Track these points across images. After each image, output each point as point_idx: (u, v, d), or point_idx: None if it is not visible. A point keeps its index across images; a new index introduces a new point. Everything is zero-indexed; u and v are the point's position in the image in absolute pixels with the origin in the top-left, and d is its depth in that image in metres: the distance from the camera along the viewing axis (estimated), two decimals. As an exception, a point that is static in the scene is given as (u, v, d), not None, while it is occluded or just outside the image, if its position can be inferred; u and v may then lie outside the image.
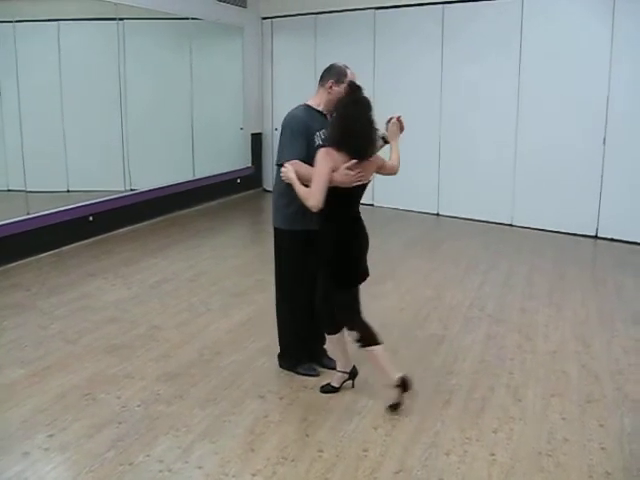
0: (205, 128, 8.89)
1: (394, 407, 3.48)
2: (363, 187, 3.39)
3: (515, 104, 7.53)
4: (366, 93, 3.37)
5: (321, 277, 3.54)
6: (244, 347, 4.32)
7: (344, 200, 3.36)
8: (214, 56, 9.18)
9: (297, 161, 3.41)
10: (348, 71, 3.67)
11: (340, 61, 3.80)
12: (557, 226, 7.54)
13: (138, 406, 3.52)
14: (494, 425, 3.36)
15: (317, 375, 3.91)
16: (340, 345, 3.70)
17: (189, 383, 3.80)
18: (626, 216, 7.15)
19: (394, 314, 4.96)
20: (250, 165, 10.02)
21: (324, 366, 3.98)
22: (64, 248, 6.75)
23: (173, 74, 8.38)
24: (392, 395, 3.47)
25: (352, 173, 3.21)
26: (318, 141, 3.52)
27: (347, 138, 3.22)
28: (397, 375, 3.44)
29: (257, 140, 10.18)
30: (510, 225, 7.93)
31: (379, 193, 8.79)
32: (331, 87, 3.62)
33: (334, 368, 3.81)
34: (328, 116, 3.61)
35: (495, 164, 7.88)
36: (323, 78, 3.70)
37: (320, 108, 3.66)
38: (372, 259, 3.66)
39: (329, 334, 3.68)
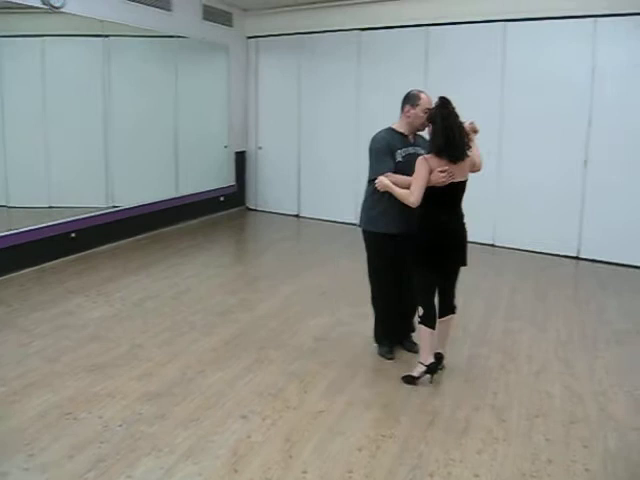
0: (189, 145, 8.88)
1: (407, 379, 4.06)
2: (459, 186, 3.90)
3: (497, 125, 7.60)
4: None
5: (415, 269, 4.04)
6: (227, 366, 4.29)
7: (440, 197, 3.85)
8: (199, 74, 9.18)
9: (391, 174, 4.02)
10: (422, 95, 4.14)
11: (415, 88, 4.27)
12: (539, 247, 7.59)
13: (120, 426, 3.48)
14: (478, 446, 3.35)
15: (391, 359, 4.46)
16: (430, 338, 4.02)
17: (171, 402, 3.76)
18: (607, 237, 7.22)
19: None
20: (234, 183, 10.01)
21: (407, 349, 4.58)
22: (46, 264, 6.68)
23: (158, 91, 8.37)
24: (417, 369, 4.02)
25: (443, 175, 3.73)
26: (399, 158, 4.13)
27: (446, 146, 3.74)
28: (431, 359, 3.98)
29: (241, 158, 10.18)
30: (492, 245, 7.97)
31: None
32: (409, 111, 4.15)
33: (415, 351, 4.45)
34: (410, 137, 4.23)
35: (477, 184, 7.87)
36: (402, 105, 4.22)
37: (402, 130, 4.22)
38: (355, 279, 3.65)
39: (427, 326, 4.00)
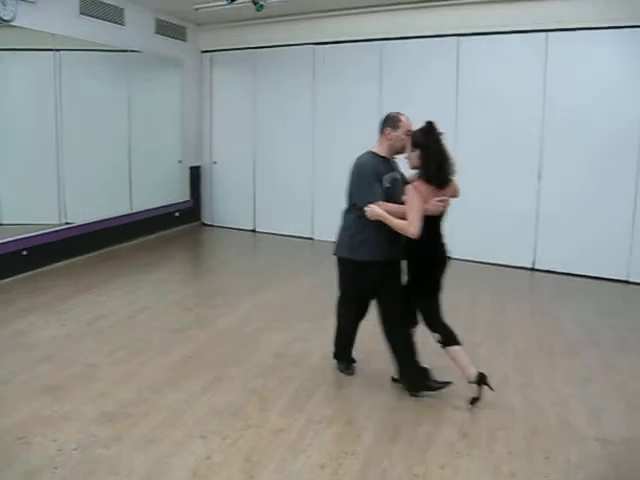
0: (143, 161, 8.76)
1: (474, 401, 3.95)
2: (445, 211, 3.90)
3: (452, 139, 7.65)
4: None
5: (421, 298, 4.07)
6: (185, 385, 4.21)
7: (433, 225, 3.86)
8: (153, 88, 9.09)
9: (382, 202, 3.89)
10: (402, 117, 4.06)
11: (394, 111, 4.17)
12: (495, 259, 7.67)
13: (75, 449, 3.37)
14: (441, 461, 3.34)
15: (350, 374, 4.45)
16: (463, 354, 4.01)
17: (128, 424, 3.67)
18: (561, 248, 7.33)
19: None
20: (189, 199, 9.91)
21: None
22: (-4, 283, 6.52)
23: (111, 106, 8.26)
24: (475, 390, 3.94)
25: (441, 204, 3.77)
26: (386, 184, 4.00)
27: (439, 172, 3.76)
28: (475, 371, 3.93)
29: (196, 173, 10.09)
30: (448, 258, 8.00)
31: (318, 226, 8.89)
32: (389, 133, 4.04)
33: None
34: (391, 160, 4.14)
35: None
36: (381, 128, 4.10)
37: (383, 154, 4.08)
38: (312, 294, 3.61)
39: (453, 345, 4.01)
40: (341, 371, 4.46)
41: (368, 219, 3.91)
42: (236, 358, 4.70)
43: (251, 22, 9.07)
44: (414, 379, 4.14)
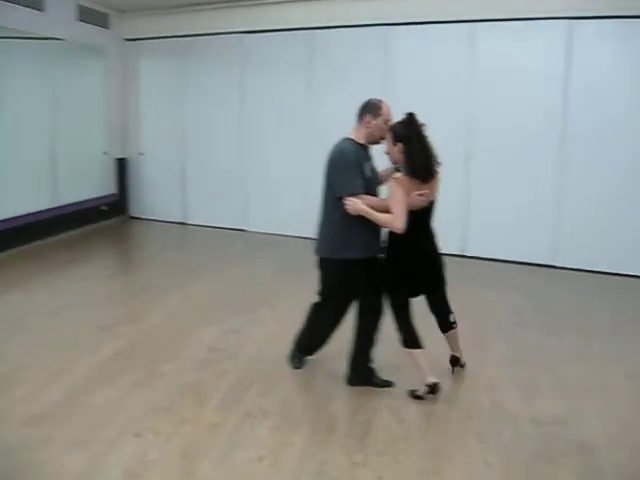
0: (67, 153, 8.48)
1: (414, 395, 3.93)
2: (431, 205, 3.86)
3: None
4: None
5: (391, 294, 3.96)
6: (117, 383, 4.10)
7: (417, 220, 3.76)
8: (76, 78, 8.81)
9: (363, 195, 3.75)
10: (383, 105, 3.90)
11: (375, 97, 4.00)
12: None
13: (2, 454, 3.24)
14: (379, 447, 3.36)
15: (298, 368, 4.33)
16: (423, 358, 3.95)
17: (58, 425, 3.55)
18: (489, 235, 7.47)
19: (272, 339, 4.88)
20: (116, 191, 9.68)
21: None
22: None
23: (32, 96, 7.97)
24: (421, 389, 3.89)
25: (422, 198, 3.67)
26: (367, 172, 3.86)
27: (426, 165, 3.70)
28: (432, 381, 3.86)
29: (122, 165, 9.85)
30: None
31: (251, 217, 8.85)
32: (369, 121, 3.87)
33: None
34: (369, 149, 4.00)
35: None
36: (360, 114, 3.92)
37: (362, 142, 3.91)
38: (245, 285, 3.58)
39: (414, 349, 3.95)
40: (293, 365, 4.35)
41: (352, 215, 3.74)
42: (169, 353, 4.61)
43: (177, 10, 8.88)
44: (360, 372, 4.12)
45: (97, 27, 8.97)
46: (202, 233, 9.12)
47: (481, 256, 7.57)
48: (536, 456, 3.30)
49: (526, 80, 7.10)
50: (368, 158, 3.95)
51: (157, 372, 4.27)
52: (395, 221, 3.61)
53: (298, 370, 4.32)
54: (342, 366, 4.18)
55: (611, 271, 6.97)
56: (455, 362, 4.30)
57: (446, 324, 4.21)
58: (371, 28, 7.81)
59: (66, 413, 3.70)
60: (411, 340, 3.92)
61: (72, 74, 8.75)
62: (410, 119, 3.72)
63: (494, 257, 7.52)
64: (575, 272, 7.08)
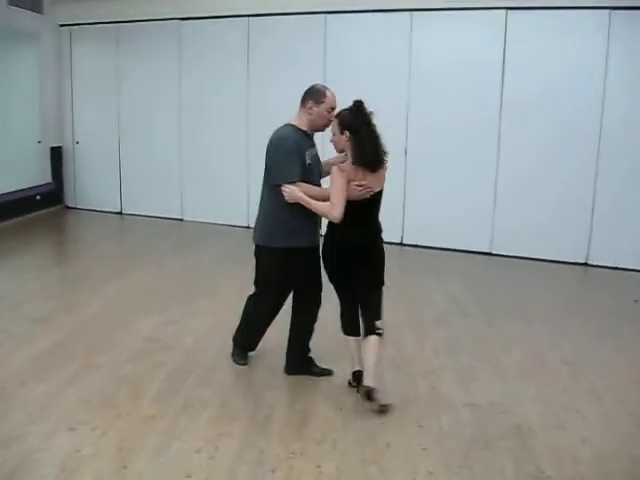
0: (-1, 142, 8.24)
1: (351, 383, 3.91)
2: (375, 197, 3.67)
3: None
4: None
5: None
6: (50, 376, 3.99)
7: (355, 210, 3.56)
8: (7, 65, 8.56)
9: (302, 183, 3.65)
10: (327, 92, 3.77)
11: (320, 83, 3.91)
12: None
13: None
14: (317, 436, 3.36)
15: (244, 364, 4.21)
16: (349, 346, 3.94)
17: (-10, 420, 3.45)
18: (426, 223, 7.55)
19: (210, 330, 4.83)
20: (50, 181, 9.44)
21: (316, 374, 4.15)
22: None
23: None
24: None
25: (361, 190, 3.52)
26: (308, 160, 3.75)
27: (373, 155, 3.56)
28: (354, 368, 3.86)
29: (57, 154, 9.60)
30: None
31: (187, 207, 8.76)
32: (311, 108, 3.75)
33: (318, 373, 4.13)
34: (311, 135, 3.88)
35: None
36: (303, 100, 3.80)
37: (304, 128, 3.79)
38: (183, 276, 3.52)
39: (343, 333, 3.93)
40: (236, 362, 4.23)
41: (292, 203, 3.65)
42: (105, 345, 4.51)
43: (113, -6, 8.69)
44: (299, 361, 4.11)
45: (30, 12, 8.69)
46: (139, 223, 8.98)
47: (419, 244, 7.65)
48: (473, 440, 3.35)
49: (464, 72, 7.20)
50: (310, 145, 3.84)
51: (93, 364, 4.19)
52: (332, 210, 3.50)
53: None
54: (280, 356, 4.16)
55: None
56: (359, 379, 3.79)
57: (371, 328, 3.72)
58: (309, 16, 7.79)
59: (-1, 408, 3.60)
60: (344, 327, 3.88)
61: (3, 60, 8.49)
62: (358, 107, 3.57)
63: (431, 245, 7.63)
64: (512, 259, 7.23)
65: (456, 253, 7.44)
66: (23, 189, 8.81)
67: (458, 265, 7.02)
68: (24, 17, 8.60)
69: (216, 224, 8.46)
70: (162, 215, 9.06)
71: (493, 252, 7.42)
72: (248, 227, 8.22)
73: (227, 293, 5.69)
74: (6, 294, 5.62)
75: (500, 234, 7.37)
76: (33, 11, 8.77)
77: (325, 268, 3.84)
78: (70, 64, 9.45)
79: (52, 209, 9.55)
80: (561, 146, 6.94)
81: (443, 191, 7.47)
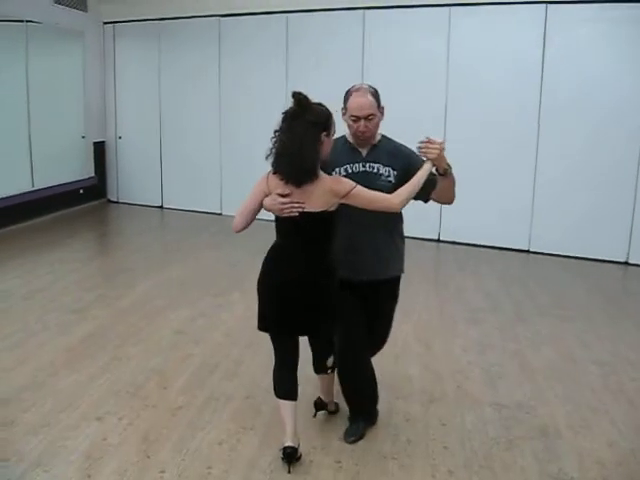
0: (44, 137, 8.40)
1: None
2: (313, 219, 2.86)
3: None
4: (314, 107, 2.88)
5: None
6: (83, 366, 4.09)
7: (282, 230, 3.02)
8: (53, 62, 8.73)
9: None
10: (353, 92, 3.13)
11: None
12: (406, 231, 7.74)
13: (-38, 437, 3.23)
14: (340, 432, 3.36)
15: None
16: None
17: (21, 408, 3.54)
18: (464, 220, 7.47)
19: (240, 324, 4.85)
20: (93, 175, 9.61)
21: None
22: None
23: (8, 79, 7.89)
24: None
25: (280, 200, 2.83)
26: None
27: (277, 159, 2.83)
28: (285, 444, 3.02)
29: (100, 149, 9.78)
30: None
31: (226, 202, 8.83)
32: (343, 115, 3.18)
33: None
34: (362, 150, 3.19)
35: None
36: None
37: (351, 140, 3.21)
38: (218, 270, 3.55)
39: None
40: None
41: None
42: (136, 337, 4.60)
43: (155, -8, 8.82)
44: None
45: (75, 10, 8.86)
46: (179, 217, 9.09)
47: (457, 241, 7.59)
48: (496, 440, 3.33)
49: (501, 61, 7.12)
50: (355, 160, 3.18)
51: (123, 356, 4.27)
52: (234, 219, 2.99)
53: (264, 356, 4.30)
54: (308, 353, 4.16)
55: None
56: (320, 406, 3.56)
57: (320, 366, 3.34)
58: (347, 12, 7.77)
59: (30, 396, 3.68)
60: (274, 386, 3.17)
61: (50, 57, 8.67)
62: (295, 100, 2.83)
63: (468, 242, 7.55)
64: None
65: (493, 250, 7.35)
66: (67, 183, 8.98)
67: (495, 262, 6.94)
68: (69, 15, 8.77)
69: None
70: (202, 209, 9.16)
71: (531, 250, 7.32)
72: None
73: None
74: (46, 286, 5.75)
75: (538, 231, 7.26)
76: (78, 9, 8.93)
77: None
78: (113, 61, 9.62)
79: (95, 203, 9.74)
80: (601, 143, 6.80)
81: (481, 187, 7.37)
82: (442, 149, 2.97)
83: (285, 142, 2.80)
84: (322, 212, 2.85)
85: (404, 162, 3.10)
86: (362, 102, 3.07)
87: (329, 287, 2.99)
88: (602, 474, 3.04)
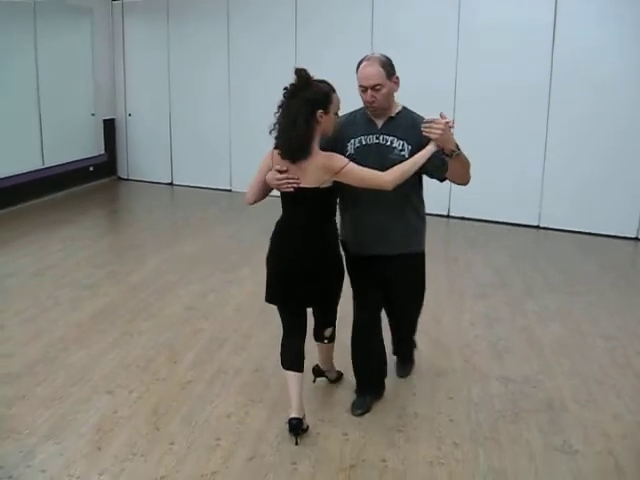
0: (54, 114, 8.42)
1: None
2: (306, 195, 2.93)
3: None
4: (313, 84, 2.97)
5: None
6: (94, 341, 4.14)
7: (285, 205, 3.10)
8: (61, 39, 8.72)
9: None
10: (362, 63, 3.12)
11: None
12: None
13: (-26, 410, 3.29)
14: (348, 405, 3.40)
15: None
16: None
17: (33, 382, 3.60)
18: (474, 195, 7.44)
19: (250, 299, 4.88)
20: (103, 152, 9.62)
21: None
22: None
23: (16, 57, 7.88)
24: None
25: (278, 176, 2.92)
26: (350, 150, 3.12)
27: (277, 135, 2.94)
28: (290, 415, 3.06)
29: (110, 126, 9.78)
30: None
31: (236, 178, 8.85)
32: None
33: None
34: (378, 121, 3.15)
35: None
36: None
37: (368, 111, 3.17)
38: (228, 246, 3.57)
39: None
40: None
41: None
42: (147, 312, 4.65)
43: (162, -32, 8.77)
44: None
45: (83, -14, 8.83)
46: (189, 193, 9.11)
47: (466, 217, 7.58)
48: (502, 414, 3.35)
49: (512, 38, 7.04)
50: (369, 132, 3.16)
51: (134, 331, 4.32)
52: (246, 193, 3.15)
53: (273, 330, 4.33)
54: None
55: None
56: (318, 373, 3.63)
57: (318, 334, 3.40)
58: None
59: (42, 371, 3.74)
60: (281, 356, 3.25)
61: (58, 35, 8.66)
62: (296, 77, 2.97)
63: (478, 217, 7.53)
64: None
65: (503, 226, 7.33)
66: (77, 160, 8.99)
67: (505, 238, 6.92)
68: (77, -9, 8.74)
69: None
70: (211, 186, 9.17)
71: (541, 225, 7.30)
72: (295, 199, 8.28)
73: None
74: (57, 262, 5.80)
75: (548, 207, 7.22)
76: (86, -14, 8.91)
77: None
78: (122, 38, 9.59)
79: (105, 180, 9.76)
80: (612, 115, 6.72)
81: (491, 162, 7.29)
82: (447, 129, 2.86)
83: (280, 119, 2.91)
84: (317, 188, 2.91)
85: (420, 136, 2.95)
86: (368, 72, 3.04)
87: (327, 262, 3.08)
88: (607, 446, 3.06)
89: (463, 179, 3.22)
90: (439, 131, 2.84)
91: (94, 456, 2.92)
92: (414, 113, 3.20)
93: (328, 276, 3.08)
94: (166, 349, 4.05)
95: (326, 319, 3.33)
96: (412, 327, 3.74)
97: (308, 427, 3.13)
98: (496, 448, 3.03)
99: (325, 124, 2.92)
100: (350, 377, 3.58)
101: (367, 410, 3.36)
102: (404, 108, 3.21)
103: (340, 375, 3.68)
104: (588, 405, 3.45)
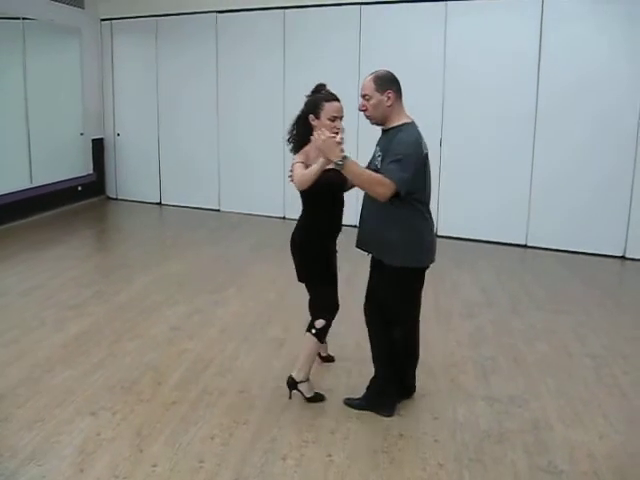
0: (42, 134, 8.45)
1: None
2: (302, 191, 3.40)
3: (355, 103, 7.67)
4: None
5: None
6: (78, 362, 4.11)
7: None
8: (50, 59, 8.75)
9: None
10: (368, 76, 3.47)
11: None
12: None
13: (-44, 432, 3.26)
14: (332, 426, 3.39)
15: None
16: None
17: (15, 404, 3.57)
18: (462, 215, 7.50)
19: (235, 320, 4.90)
20: (92, 172, 9.63)
21: None
22: None
23: (5, 76, 7.92)
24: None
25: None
26: (374, 161, 3.38)
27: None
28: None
29: (99, 145, 9.80)
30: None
31: (224, 198, 8.84)
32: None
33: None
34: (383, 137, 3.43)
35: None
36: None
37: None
38: (216, 266, 3.58)
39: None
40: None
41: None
42: (132, 333, 4.62)
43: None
44: None
45: (71, 7, 8.88)
46: (177, 213, 9.12)
47: (453, 236, 7.60)
48: (487, 434, 3.34)
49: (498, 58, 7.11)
50: (380, 143, 3.45)
51: (119, 351, 4.29)
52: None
53: (260, 350, 4.35)
54: (298, 346, 4.16)
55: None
56: (291, 384, 3.65)
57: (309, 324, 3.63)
58: (344, 7, 7.79)
59: (25, 392, 3.71)
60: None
61: (47, 55, 8.69)
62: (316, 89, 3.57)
63: (465, 237, 7.56)
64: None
65: (491, 245, 7.37)
66: (65, 180, 9.01)
67: (492, 257, 6.94)
68: (66, 12, 8.79)
69: (252, 215, 8.54)
70: (200, 206, 9.18)
71: (528, 244, 7.33)
72: (284, 218, 8.30)
73: (255, 283, 5.79)
74: (44, 282, 5.77)
75: (535, 226, 7.27)
76: (74, 6, 8.96)
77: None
78: (111, 57, 9.63)
79: (93, 200, 9.76)
80: (598, 138, 6.80)
81: (479, 182, 7.40)
82: (327, 140, 3.08)
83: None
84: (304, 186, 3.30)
85: (386, 151, 3.23)
86: (363, 82, 3.44)
87: (300, 257, 3.63)
88: (593, 467, 3.05)
89: (366, 190, 3.29)
90: (319, 141, 3.10)
91: (76, 479, 2.89)
92: (405, 131, 3.30)
93: (302, 266, 3.65)
94: (151, 370, 4.02)
95: (310, 308, 3.67)
96: (376, 351, 3.64)
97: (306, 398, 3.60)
98: (481, 469, 3.02)
99: (319, 126, 3.34)
100: (333, 399, 3.58)
101: (354, 407, 3.59)
102: (404, 124, 3.35)
103: (320, 397, 3.67)
104: (574, 425, 3.44)
